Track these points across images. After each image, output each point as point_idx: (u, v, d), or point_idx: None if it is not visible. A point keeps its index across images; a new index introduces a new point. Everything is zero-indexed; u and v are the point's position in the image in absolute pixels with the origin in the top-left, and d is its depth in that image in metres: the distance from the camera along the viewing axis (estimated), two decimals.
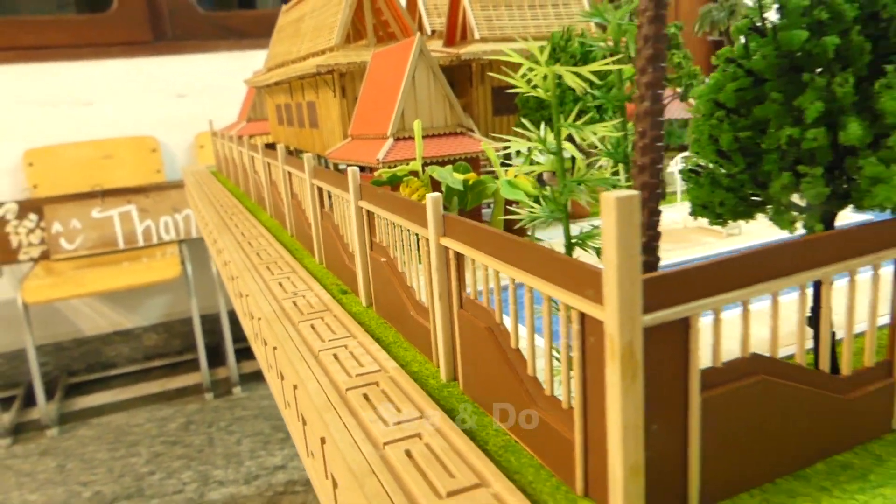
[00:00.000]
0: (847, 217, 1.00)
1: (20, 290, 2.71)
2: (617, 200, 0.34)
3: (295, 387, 0.65)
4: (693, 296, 0.38)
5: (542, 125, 0.49)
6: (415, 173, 0.96)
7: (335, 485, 0.53)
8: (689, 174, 0.51)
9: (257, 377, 3.16)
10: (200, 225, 1.86)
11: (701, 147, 0.48)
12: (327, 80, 1.29)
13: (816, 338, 0.46)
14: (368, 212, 0.78)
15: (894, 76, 0.42)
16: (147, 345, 3.41)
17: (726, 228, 0.98)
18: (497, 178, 0.90)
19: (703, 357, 0.40)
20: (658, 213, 0.42)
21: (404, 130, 1.02)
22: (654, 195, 0.42)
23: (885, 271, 0.47)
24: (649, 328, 0.37)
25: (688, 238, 1.00)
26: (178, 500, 2.33)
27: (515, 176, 0.88)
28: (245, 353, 3.13)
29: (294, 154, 1.52)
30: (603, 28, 0.67)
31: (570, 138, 0.47)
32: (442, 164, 1.01)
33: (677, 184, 1.26)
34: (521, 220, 0.55)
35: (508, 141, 0.53)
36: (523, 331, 0.51)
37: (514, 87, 0.51)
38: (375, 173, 0.96)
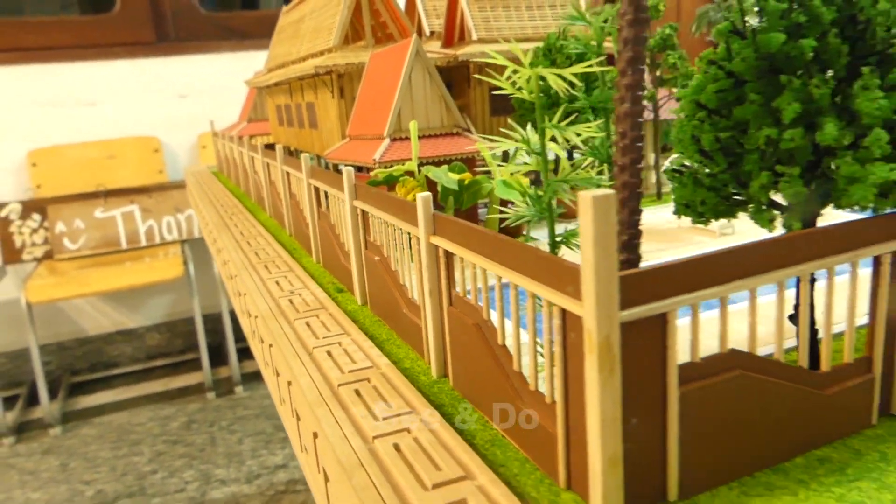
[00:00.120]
0: (846, 217, 1.01)
1: (24, 289, 2.73)
2: (593, 199, 0.35)
3: (289, 383, 0.67)
4: (670, 292, 0.39)
5: (529, 126, 0.50)
6: (410, 173, 0.97)
7: (326, 479, 0.54)
8: (673, 174, 0.52)
9: (259, 377, 3.17)
10: (201, 225, 1.87)
11: (684, 147, 0.49)
12: (326, 80, 1.30)
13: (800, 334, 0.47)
14: (363, 211, 0.79)
15: (870, 78, 0.43)
16: (149, 344, 3.42)
17: (719, 228, 0.99)
18: (492, 177, 0.91)
19: (684, 352, 0.41)
20: (639, 211, 0.43)
21: (401, 131, 1.03)
22: (634, 194, 0.43)
23: (865, 270, 0.48)
24: (627, 323, 0.38)
25: (681, 237, 1.00)
26: (180, 498, 2.34)
27: (511, 175, 0.89)
28: (247, 352, 3.14)
29: (294, 154, 1.53)
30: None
31: (555, 139, 0.48)
32: (438, 164, 1.02)
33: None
34: (507, 219, 0.56)
35: (503, 141, 0.54)
36: (511, 327, 0.52)
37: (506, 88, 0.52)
38: (371, 173, 0.98)
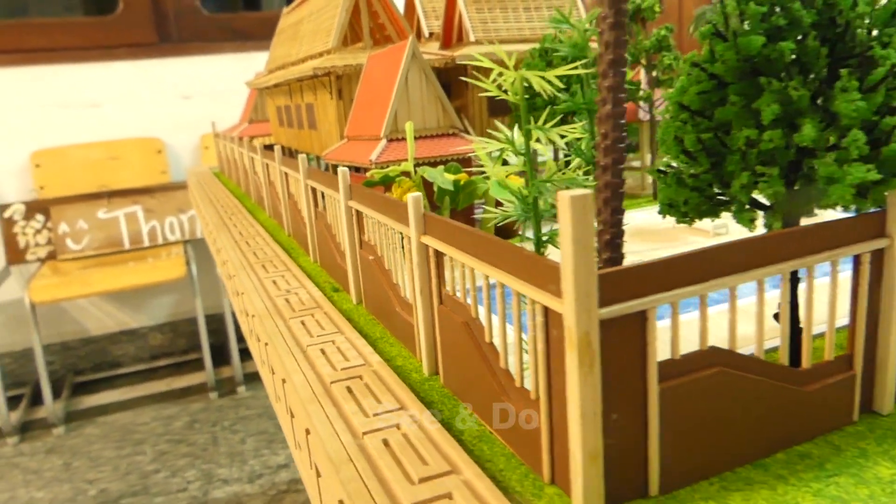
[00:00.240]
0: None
1: (27, 289, 2.75)
2: (571, 199, 0.36)
3: (283, 381, 0.67)
4: (650, 290, 0.40)
5: (516, 127, 0.51)
6: (407, 174, 0.98)
7: (318, 474, 0.55)
8: (659, 174, 0.52)
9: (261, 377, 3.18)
10: (202, 225, 1.89)
11: (667, 148, 0.50)
12: (324, 82, 1.31)
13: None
14: (357, 211, 0.80)
15: (848, 80, 0.44)
16: (153, 344, 3.44)
17: (713, 228, 1.00)
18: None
19: (665, 350, 0.42)
20: (621, 211, 0.44)
21: (397, 132, 1.04)
22: (616, 194, 0.44)
23: (846, 269, 0.49)
24: (606, 320, 0.39)
25: (676, 237, 1.01)
26: (183, 498, 2.36)
27: (507, 176, 0.90)
28: (249, 352, 3.15)
29: (295, 155, 1.54)
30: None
31: (540, 140, 0.49)
32: (434, 164, 1.02)
33: None
34: (494, 218, 0.57)
35: (488, 142, 0.55)
36: (498, 325, 0.53)
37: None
38: (368, 174, 0.98)
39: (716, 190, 0.51)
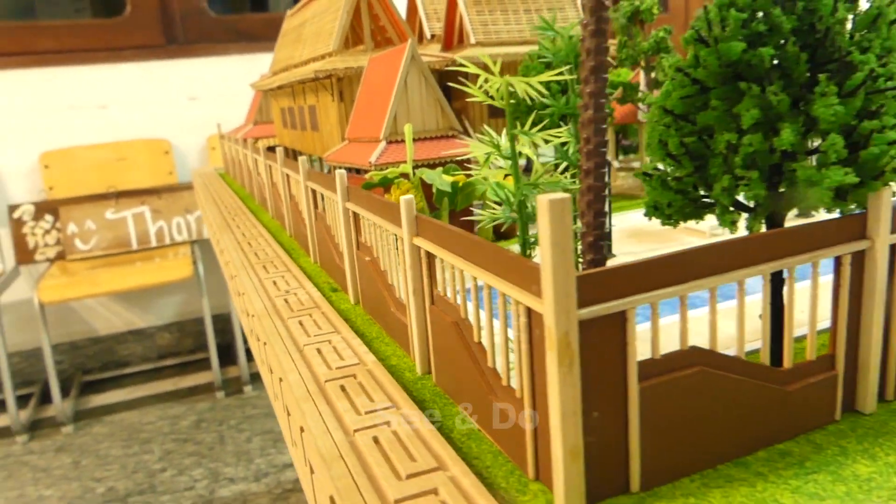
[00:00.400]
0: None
1: (36, 289, 2.78)
2: (550, 203, 0.37)
3: (280, 379, 0.69)
4: (629, 291, 0.41)
5: (504, 132, 0.52)
6: (405, 176, 0.99)
7: (312, 471, 0.56)
8: (644, 176, 0.53)
9: None
10: (207, 225, 1.90)
11: (652, 151, 0.51)
12: (326, 84, 1.32)
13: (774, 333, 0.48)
14: (354, 213, 0.81)
15: (827, 84, 0.45)
16: (160, 344, 3.46)
17: (710, 229, 1.01)
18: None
19: (646, 350, 0.43)
20: (603, 213, 0.45)
21: (397, 134, 1.05)
22: (599, 197, 0.45)
23: (827, 273, 0.50)
24: (585, 321, 0.40)
25: (672, 238, 1.02)
26: (189, 496, 2.38)
27: (504, 177, 0.91)
28: None
29: (298, 157, 1.55)
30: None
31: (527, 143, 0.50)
32: (433, 166, 1.04)
33: None
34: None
35: (477, 146, 0.56)
36: (486, 325, 0.54)
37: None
38: (367, 175, 1.00)
39: (700, 192, 0.51)
